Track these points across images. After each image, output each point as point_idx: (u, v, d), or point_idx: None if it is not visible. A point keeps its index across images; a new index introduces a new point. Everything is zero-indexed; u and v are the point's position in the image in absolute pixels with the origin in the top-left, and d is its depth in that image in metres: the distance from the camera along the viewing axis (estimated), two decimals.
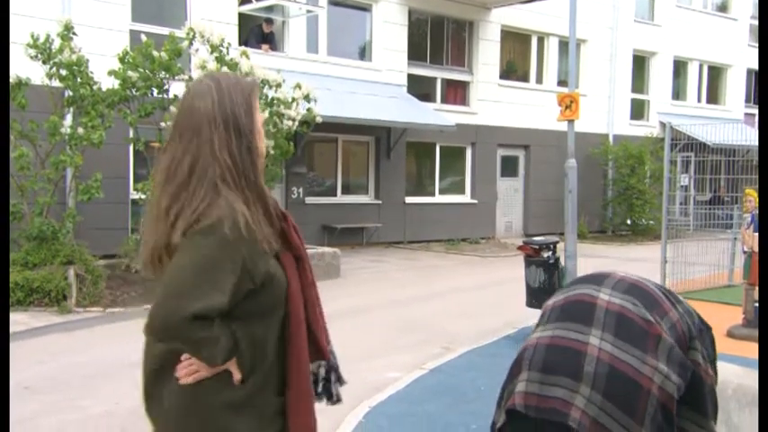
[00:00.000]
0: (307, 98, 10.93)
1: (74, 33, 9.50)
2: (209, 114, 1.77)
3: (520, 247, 8.08)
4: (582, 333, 1.95)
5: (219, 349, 1.72)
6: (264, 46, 13.80)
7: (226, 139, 1.75)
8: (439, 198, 17.07)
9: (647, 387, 1.86)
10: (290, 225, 1.87)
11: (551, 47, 18.93)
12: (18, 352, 6.34)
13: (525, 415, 1.92)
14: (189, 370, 1.78)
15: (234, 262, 1.70)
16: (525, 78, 18.70)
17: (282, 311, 1.84)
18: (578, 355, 1.91)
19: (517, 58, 18.78)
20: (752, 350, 5.86)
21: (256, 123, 1.82)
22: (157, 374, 1.82)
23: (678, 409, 1.98)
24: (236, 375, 1.78)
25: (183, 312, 1.64)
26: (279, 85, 10.61)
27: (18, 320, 7.74)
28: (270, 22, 14.02)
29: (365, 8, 15.64)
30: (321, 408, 5.32)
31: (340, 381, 2.13)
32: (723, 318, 7.71)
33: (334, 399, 2.11)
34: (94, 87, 9.58)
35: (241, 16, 13.46)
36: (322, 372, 2.05)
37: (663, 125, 20.46)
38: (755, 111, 21.72)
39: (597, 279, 2.11)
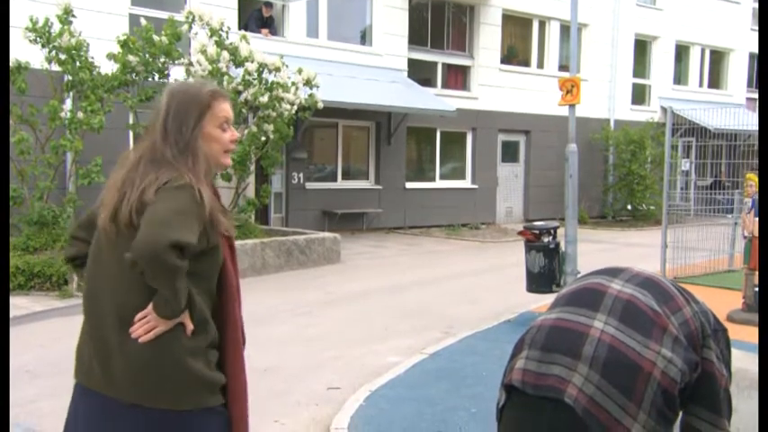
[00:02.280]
0: (308, 83, 10.90)
1: (73, 16, 9.45)
2: (161, 120, 2.11)
3: (520, 233, 8.08)
4: (587, 317, 1.97)
5: (185, 294, 1.99)
6: (264, 30, 13.72)
7: (165, 139, 2.09)
8: (439, 183, 17.05)
9: (647, 369, 1.87)
10: (229, 218, 2.20)
11: (552, 31, 18.83)
12: (19, 336, 6.36)
13: (524, 392, 1.94)
14: (146, 327, 2.01)
15: (199, 217, 2.00)
16: (526, 63, 18.62)
17: (215, 282, 2.14)
18: (580, 336, 1.93)
19: (518, 42, 18.69)
20: (751, 334, 5.88)
21: (201, 131, 2.11)
22: (124, 328, 2.04)
23: (692, 408, 2.00)
24: (189, 326, 2.05)
25: (164, 239, 1.89)
26: (278, 70, 10.57)
27: (19, 305, 7.76)
28: (269, 6, 13.94)
29: None
30: (321, 393, 5.35)
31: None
32: (723, 302, 7.72)
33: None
34: (94, 72, 9.54)
35: (241, 0, 13.39)
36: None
37: (664, 110, 20.36)
38: (757, 95, 21.64)
39: (613, 271, 2.13)
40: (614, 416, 1.84)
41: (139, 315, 2.02)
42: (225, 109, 2.16)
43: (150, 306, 2.01)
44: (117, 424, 2.04)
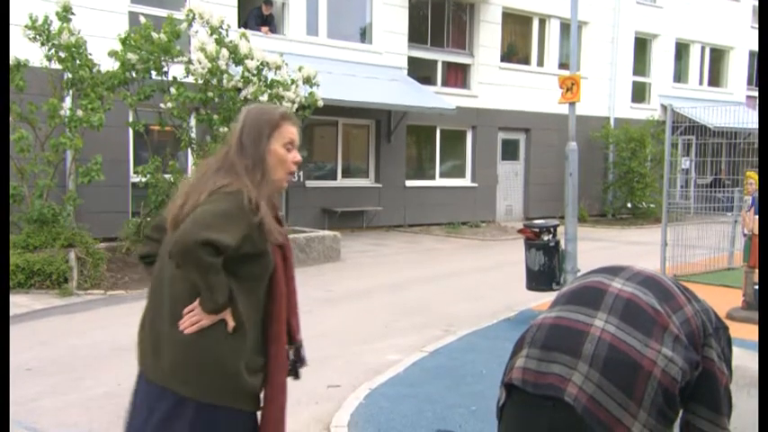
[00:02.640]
0: (309, 82, 10.88)
1: (72, 14, 9.44)
2: (236, 137, 2.31)
3: (520, 231, 8.08)
4: (587, 315, 1.97)
5: (222, 290, 2.14)
6: (264, 28, 13.71)
7: (241, 152, 2.28)
8: (439, 181, 17.05)
9: (648, 369, 1.86)
10: (284, 229, 2.37)
11: (552, 29, 18.82)
12: (19, 334, 6.37)
13: (524, 390, 1.94)
14: (191, 320, 2.19)
15: (245, 222, 2.15)
16: (526, 61, 18.60)
17: (264, 288, 2.29)
18: (580, 334, 1.93)
19: (518, 40, 18.68)
20: (751, 332, 5.88)
21: (269, 146, 2.29)
22: (174, 320, 2.22)
23: (692, 406, 2.00)
24: (230, 323, 2.20)
25: (197, 237, 2.08)
26: (278, 67, 10.56)
27: (19, 303, 7.77)
28: (269, 3, 13.93)
29: None
30: (321, 391, 5.36)
31: (303, 362, 2.49)
32: (723, 300, 7.72)
33: (296, 377, 2.46)
34: (94, 69, 9.54)
35: None
36: (291, 354, 2.41)
37: (664, 108, 20.37)
38: (757, 93, 21.64)
39: (613, 270, 2.13)
40: (614, 414, 1.83)
41: (187, 308, 2.20)
42: (292, 131, 2.35)
43: (197, 301, 2.18)
44: (153, 407, 2.22)
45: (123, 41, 9.78)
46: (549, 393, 1.88)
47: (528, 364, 1.95)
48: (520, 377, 1.95)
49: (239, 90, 10.34)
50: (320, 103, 11.04)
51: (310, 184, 14.66)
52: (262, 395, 2.31)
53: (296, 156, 2.35)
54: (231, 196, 2.17)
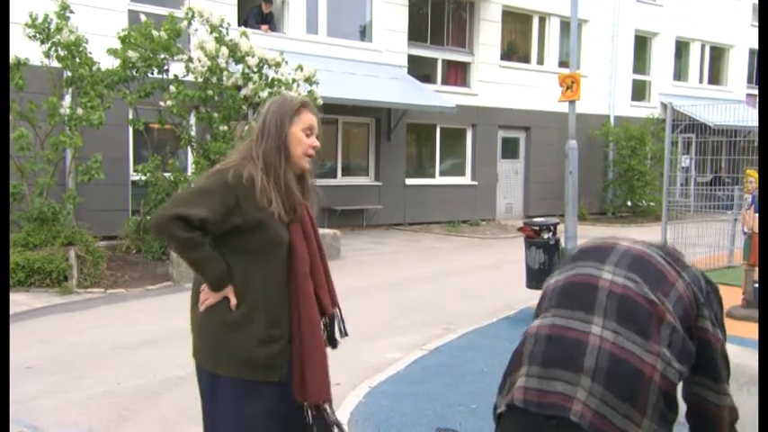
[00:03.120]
0: (309, 80, 10.88)
1: (71, 12, 9.43)
2: (259, 125, 2.51)
3: (520, 229, 8.08)
4: (583, 321, 1.90)
5: (209, 266, 2.31)
6: (264, 26, 13.71)
7: (262, 136, 2.46)
8: (439, 180, 17.04)
9: (648, 375, 1.83)
10: (305, 210, 2.51)
11: (552, 27, 18.80)
12: (19, 332, 6.37)
13: (526, 409, 1.87)
14: (201, 298, 2.40)
15: (227, 196, 2.30)
16: (526, 59, 18.59)
17: (279, 261, 2.42)
18: (579, 345, 1.87)
19: (518, 38, 18.67)
20: (751, 330, 5.88)
21: (290, 129, 2.46)
22: (194, 305, 2.48)
23: (693, 377, 2.00)
24: (233, 301, 2.37)
25: (168, 212, 2.28)
26: (278, 65, 10.55)
27: (19, 301, 7.77)
28: (269, 2, 13.92)
29: None
30: None
31: (341, 331, 2.68)
32: (723, 299, 7.72)
33: (333, 346, 2.63)
34: (93, 68, 9.53)
35: None
36: (324, 321, 2.58)
37: (664, 106, 20.35)
38: (757, 91, 21.62)
39: (600, 255, 2.06)
40: (620, 426, 1.80)
41: (201, 287, 2.42)
42: (311, 117, 2.51)
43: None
44: (200, 384, 2.47)
45: (123, 40, 9.78)
46: (555, 414, 1.83)
47: (529, 383, 1.88)
48: (521, 397, 1.88)
49: (239, 88, 10.34)
50: (320, 102, 11.03)
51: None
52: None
53: (314, 141, 2.50)
54: (216, 173, 2.37)
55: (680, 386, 1.97)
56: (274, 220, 2.37)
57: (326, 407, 2.47)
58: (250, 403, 2.34)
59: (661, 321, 1.89)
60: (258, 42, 11.10)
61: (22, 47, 9.14)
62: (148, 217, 10.50)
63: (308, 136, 2.49)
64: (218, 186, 2.31)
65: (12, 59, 8.82)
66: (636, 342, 1.85)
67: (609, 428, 1.79)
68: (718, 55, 23.24)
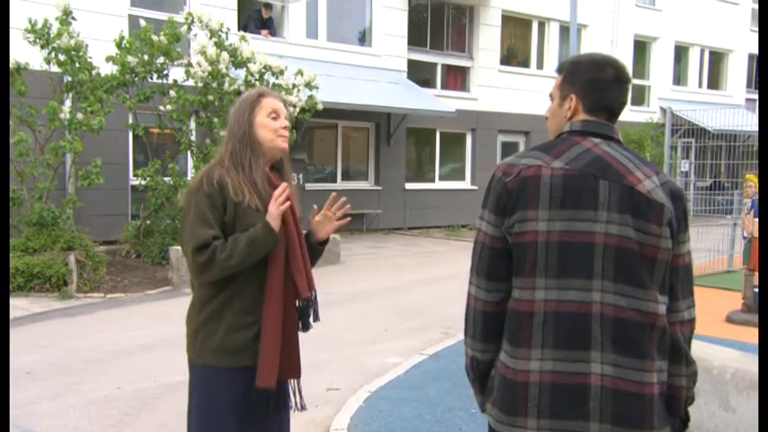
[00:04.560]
0: (309, 85, 10.90)
1: (72, 18, 9.45)
2: (227, 128, 2.61)
3: None
4: (583, 361, 1.84)
5: (257, 241, 2.39)
6: (264, 31, 13.73)
7: (229, 138, 2.55)
8: (439, 184, 17.05)
9: (649, 394, 1.84)
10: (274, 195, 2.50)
11: (552, 32, 18.84)
12: (19, 337, 6.37)
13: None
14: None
15: (211, 205, 2.39)
16: (526, 64, 18.62)
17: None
18: (582, 389, 1.84)
19: (518, 43, 18.70)
20: (750, 335, 5.88)
21: (253, 120, 2.50)
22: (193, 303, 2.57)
23: (676, 304, 1.95)
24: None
25: (191, 256, 2.36)
26: (281, 72, 10.57)
27: (19, 306, 7.76)
28: (269, 7, 13.95)
29: None
30: (321, 394, 5.35)
31: (314, 316, 2.63)
32: (722, 303, 7.73)
33: (303, 329, 2.59)
34: (93, 72, 9.54)
35: (240, 1, 13.39)
36: (298, 305, 2.56)
37: (664, 111, 20.40)
38: (757, 96, 21.65)
39: (590, 196, 1.87)
40: (635, 380, 1.83)
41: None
42: (272, 102, 2.54)
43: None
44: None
45: (118, 44, 9.79)
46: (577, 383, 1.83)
47: (547, 367, 1.85)
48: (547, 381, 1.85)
49: (239, 93, 10.35)
50: (320, 107, 11.06)
51: (310, 186, 14.67)
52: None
53: (283, 122, 2.53)
54: (191, 192, 2.45)
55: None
56: (252, 211, 2.43)
57: (291, 389, 2.59)
58: (220, 389, 2.41)
59: (652, 326, 1.85)
60: (258, 47, 11.13)
61: (22, 52, 9.15)
62: (148, 222, 10.51)
63: (274, 119, 2.53)
64: (201, 201, 2.40)
65: (12, 64, 8.83)
66: (635, 368, 1.84)
67: (625, 385, 1.82)
68: (717, 60, 23.28)
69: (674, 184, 1.96)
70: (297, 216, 2.59)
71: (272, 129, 2.51)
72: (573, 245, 1.85)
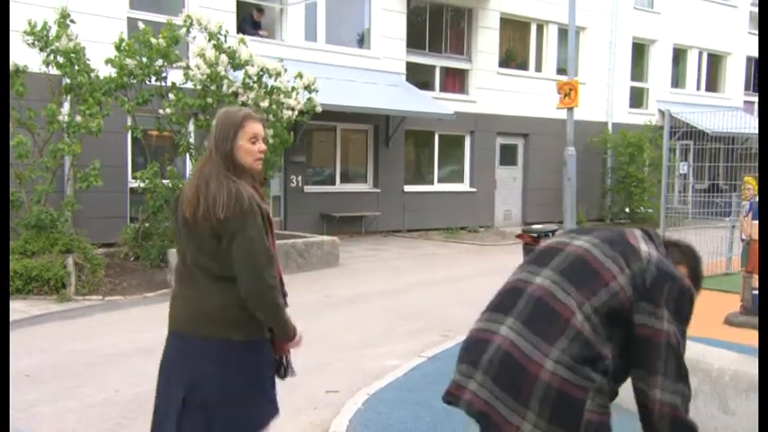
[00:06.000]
0: (308, 88, 10.90)
1: (71, 21, 9.46)
2: (212, 137, 2.79)
3: (519, 236, 8.10)
4: (497, 323, 2.11)
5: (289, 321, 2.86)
6: (262, 32, 13.76)
7: (215, 151, 2.74)
8: (438, 186, 17.06)
9: (534, 371, 1.97)
10: (267, 203, 2.85)
11: (551, 34, 18.86)
12: (18, 340, 6.36)
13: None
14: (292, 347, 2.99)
15: (261, 222, 2.68)
16: (524, 66, 18.64)
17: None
18: (484, 344, 2.09)
19: (516, 45, 18.72)
20: (749, 338, 5.88)
21: (236, 143, 2.71)
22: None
23: (631, 371, 2.10)
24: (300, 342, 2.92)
25: (268, 283, 2.70)
26: (279, 74, 10.57)
27: (17, 308, 7.75)
28: (261, 10, 13.97)
29: None
30: (320, 396, 5.33)
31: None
32: (721, 306, 7.73)
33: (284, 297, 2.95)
34: (92, 75, 9.55)
35: (239, 4, 13.40)
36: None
37: (662, 113, 20.42)
38: (755, 98, 21.69)
39: (545, 258, 2.21)
40: (504, 416, 1.98)
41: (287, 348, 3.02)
42: (254, 127, 2.74)
43: None
44: (185, 352, 2.84)
45: (118, 47, 9.80)
46: (448, 401, 2.13)
47: (453, 377, 2.16)
48: (444, 391, 2.18)
49: (237, 94, 10.35)
50: (319, 109, 11.06)
51: (309, 189, 14.68)
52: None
53: (261, 146, 2.77)
54: (248, 211, 2.64)
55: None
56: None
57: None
58: (266, 357, 2.83)
59: (566, 326, 2.01)
60: (257, 49, 11.13)
61: (21, 54, 9.15)
62: (147, 224, 10.50)
63: (253, 143, 2.74)
64: (260, 225, 2.66)
65: (11, 66, 8.83)
66: (531, 342, 2.01)
67: (495, 416, 2.00)
68: (715, 62, 23.31)
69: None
70: (273, 231, 2.84)
71: (252, 153, 2.74)
72: None
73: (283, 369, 2.99)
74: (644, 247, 2.13)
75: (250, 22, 13.86)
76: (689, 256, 2.31)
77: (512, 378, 1.99)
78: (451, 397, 2.12)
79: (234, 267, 2.64)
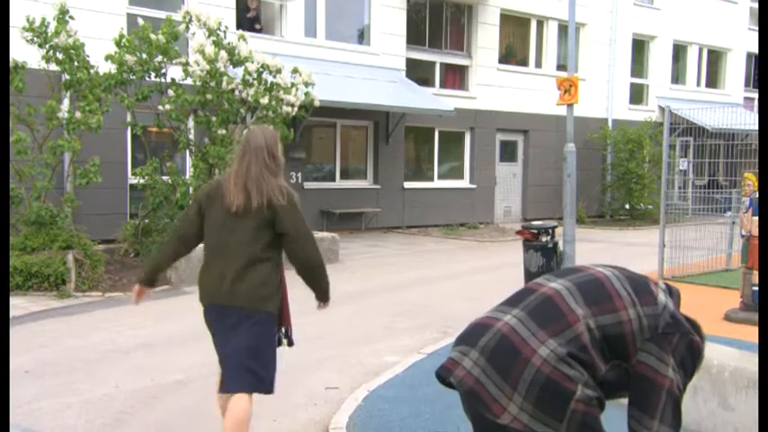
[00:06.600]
0: (306, 83, 10.88)
1: (70, 17, 9.44)
2: (265, 148, 3.64)
3: (518, 232, 8.09)
4: (503, 312, 2.23)
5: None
6: (257, 26, 13.75)
7: (277, 161, 3.66)
8: (438, 183, 17.06)
9: (526, 356, 2.04)
10: None
11: (550, 31, 18.84)
12: (17, 336, 6.36)
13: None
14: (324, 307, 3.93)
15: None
16: (524, 62, 18.62)
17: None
18: (485, 328, 2.20)
19: (516, 42, 18.70)
20: (749, 334, 5.89)
21: (278, 151, 3.67)
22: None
23: (628, 407, 2.16)
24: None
25: (320, 258, 3.70)
26: (279, 71, 10.55)
27: (17, 305, 7.76)
28: (254, 10, 13.94)
29: None
30: (320, 393, 5.36)
31: None
32: (721, 302, 7.74)
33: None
34: (92, 71, 9.53)
35: (238, 0, 13.38)
36: None
37: (662, 109, 20.44)
38: (755, 95, 21.69)
39: (518, 298, 2.31)
40: (492, 395, 2.05)
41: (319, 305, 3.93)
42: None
43: None
44: (230, 319, 3.47)
45: (117, 43, 9.78)
46: (440, 373, 2.22)
47: (450, 356, 2.26)
48: (440, 365, 2.26)
49: (234, 91, 10.33)
50: (317, 103, 11.03)
51: (308, 185, 14.67)
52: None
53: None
54: (296, 203, 3.56)
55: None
56: None
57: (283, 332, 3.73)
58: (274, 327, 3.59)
59: (567, 326, 2.10)
60: (256, 45, 11.11)
61: (21, 50, 9.14)
62: (147, 220, 10.50)
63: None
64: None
65: (10, 63, 8.81)
66: (529, 329, 2.11)
67: (484, 394, 2.08)
68: (715, 58, 23.29)
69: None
70: None
71: (281, 159, 3.70)
72: None
73: (288, 339, 3.70)
74: (662, 297, 2.23)
75: (245, 17, 13.84)
76: (697, 331, 2.35)
77: (505, 359, 2.07)
78: (445, 371, 2.21)
79: (288, 245, 3.47)
